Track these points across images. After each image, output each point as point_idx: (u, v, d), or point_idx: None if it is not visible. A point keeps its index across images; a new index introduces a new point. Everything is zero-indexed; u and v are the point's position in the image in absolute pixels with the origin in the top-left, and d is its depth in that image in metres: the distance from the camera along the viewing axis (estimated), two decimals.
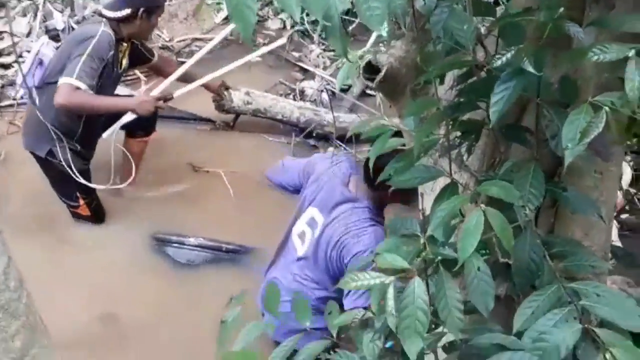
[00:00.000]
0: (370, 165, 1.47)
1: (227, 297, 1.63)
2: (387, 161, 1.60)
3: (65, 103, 3.28)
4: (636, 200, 2.30)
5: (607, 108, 1.09)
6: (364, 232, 2.47)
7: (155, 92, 3.60)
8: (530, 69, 1.10)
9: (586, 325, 1.18)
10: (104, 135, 3.59)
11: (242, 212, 4.12)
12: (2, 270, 1.55)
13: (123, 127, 3.73)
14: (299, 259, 2.75)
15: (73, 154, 3.51)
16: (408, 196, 2.54)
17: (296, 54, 5.43)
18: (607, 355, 1.11)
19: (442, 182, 1.54)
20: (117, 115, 3.56)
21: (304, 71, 5.26)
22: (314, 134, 4.55)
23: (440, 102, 1.35)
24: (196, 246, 3.87)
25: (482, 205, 1.18)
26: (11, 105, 4.90)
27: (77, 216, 3.87)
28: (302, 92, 4.92)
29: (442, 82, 1.50)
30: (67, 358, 1.98)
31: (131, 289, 3.54)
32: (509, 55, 1.17)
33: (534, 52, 1.11)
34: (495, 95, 1.17)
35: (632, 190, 3.31)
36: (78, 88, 3.28)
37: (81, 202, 3.80)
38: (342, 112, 4.61)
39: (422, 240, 1.32)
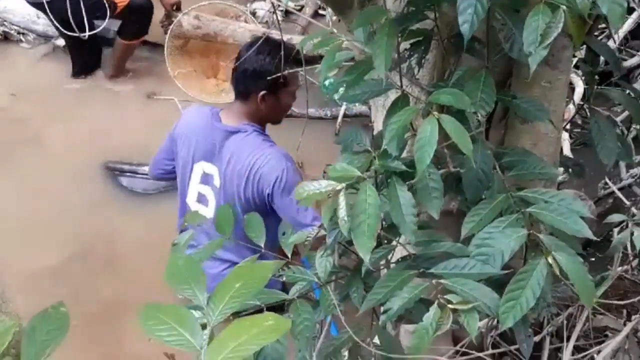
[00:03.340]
0: (322, 79, 1.44)
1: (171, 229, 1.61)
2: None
3: None
4: (587, 112, 2.32)
5: (564, 7, 1.07)
6: (269, 155, 2.32)
7: None
8: None
9: (531, 231, 1.19)
10: None
11: None
12: None
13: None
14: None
15: None
16: (279, 111, 2.48)
17: None
18: (549, 259, 1.13)
19: (393, 97, 1.53)
20: None
21: None
22: None
23: (389, 12, 1.31)
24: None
25: (436, 113, 1.16)
26: None
27: (122, 17, 4.16)
28: (253, 13, 4.80)
29: None
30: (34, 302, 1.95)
31: (80, 222, 3.51)
32: None
33: None
34: (461, 5, 1.13)
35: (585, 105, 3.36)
36: None
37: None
38: (295, 35, 4.52)
39: (372, 155, 1.31)
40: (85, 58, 4.47)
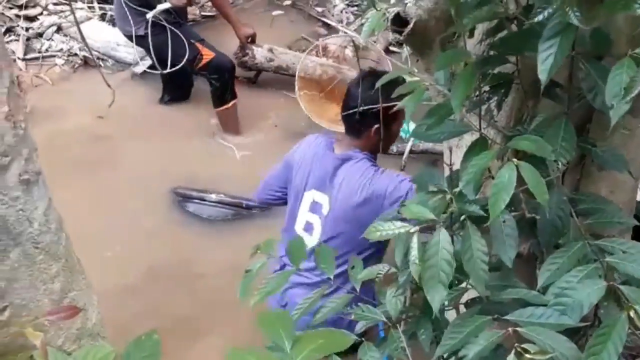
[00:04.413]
0: (407, 118, 1.44)
1: (246, 253, 1.63)
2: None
3: None
4: None
5: None
6: (381, 174, 2.41)
7: None
8: (577, 22, 1.06)
9: (611, 283, 1.17)
10: (147, 15, 3.93)
11: (262, 169, 4.14)
12: (42, 212, 1.54)
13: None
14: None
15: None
16: (389, 141, 2.54)
17: (319, 9, 5.38)
18: (631, 313, 1.10)
19: (468, 137, 1.53)
20: None
21: (327, 26, 5.21)
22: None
23: (470, 55, 1.33)
24: (217, 202, 3.90)
25: (515, 160, 1.16)
26: (37, 58, 4.93)
27: (204, 71, 4.21)
28: (324, 48, 4.87)
29: (471, 35, 1.48)
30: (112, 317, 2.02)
31: (153, 243, 3.59)
32: (550, 9, 1.13)
33: (577, 4, 1.08)
34: (542, 54, 1.13)
35: None
36: None
37: (199, 46, 4.15)
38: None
39: (448, 196, 1.31)
40: (173, 89, 4.61)
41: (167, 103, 4.62)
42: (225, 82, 4.25)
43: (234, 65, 4.31)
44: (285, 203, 2.76)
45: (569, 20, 1.07)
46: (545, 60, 1.15)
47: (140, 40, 4.05)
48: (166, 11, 3.99)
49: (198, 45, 4.15)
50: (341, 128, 2.69)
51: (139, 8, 3.96)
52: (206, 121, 4.45)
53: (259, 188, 2.87)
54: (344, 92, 2.61)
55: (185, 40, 4.02)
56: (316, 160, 2.55)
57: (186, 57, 4.01)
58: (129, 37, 4.14)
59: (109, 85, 1.92)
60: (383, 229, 1.25)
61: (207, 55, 4.17)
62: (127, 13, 3.96)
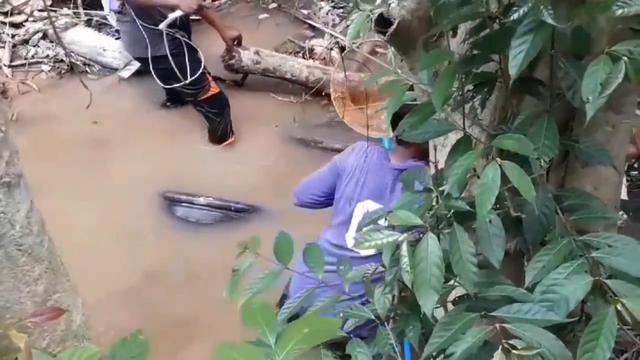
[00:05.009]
0: (388, 119, 1.45)
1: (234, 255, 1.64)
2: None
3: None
4: None
5: (625, 58, 1.07)
6: None
7: None
8: (550, 21, 1.07)
9: (597, 278, 1.18)
10: (160, 26, 3.94)
11: (250, 172, 4.16)
12: (24, 214, 1.54)
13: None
14: (367, 257, 2.51)
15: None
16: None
17: (305, 11, 5.39)
18: (618, 306, 1.11)
19: (453, 136, 1.54)
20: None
21: (313, 29, 5.22)
22: (323, 93, 4.53)
23: (453, 55, 1.33)
24: (205, 205, 3.91)
25: (498, 160, 1.17)
26: (23, 65, 4.92)
27: (206, 104, 4.20)
28: (311, 50, 4.89)
29: (454, 35, 1.49)
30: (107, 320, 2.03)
31: (141, 247, 3.59)
32: (525, 7, 1.14)
33: (552, 3, 1.09)
34: (514, 50, 1.14)
35: None
36: None
37: (208, 77, 4.17)
38: (350, 71, 4.57)
39: (434, 194, 1.32)
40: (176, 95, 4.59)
41: (169, 107, 4.64)
42: (224, 118, 4.26)
43: (229, 107, 4.33)
44: (325, 207, 2.76)
45: (543, 19, 1.08)
46: (517, 56, 1.16)
47: (159, 61, 4.03)
48: (178, 27, 4.02)
49: (207, 76, 4.17)
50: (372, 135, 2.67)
51: (156, 28, 3.94)
52: (198, 124, 4.45)
53: (298, 189, 2.84)
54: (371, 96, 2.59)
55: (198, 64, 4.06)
56: (372, 170, 2.55)
57: (189, 79, 4.04)
58: (143, 60, 4.14)
59: (85, 87, 1.93)
60: (372, 238, 1.25)
61: (214, 88, 4.19)
62: (144, 35, 3.94)
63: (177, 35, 4.00)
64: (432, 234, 1.23)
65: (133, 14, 3.92)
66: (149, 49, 3.96)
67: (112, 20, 4.28)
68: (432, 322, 1.33)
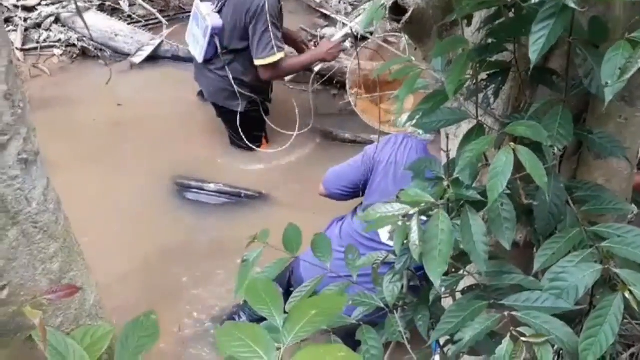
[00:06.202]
0: (399, 110, 1.45)
1: (243, 241, 1.63)
2: None
3: (274, 77, 3.92)
4: None
5: None
6: None
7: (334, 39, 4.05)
8: (572, 4, 1.06)
9: (606, 266, 1.18)
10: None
11: (260, 160, 4.16)
12: (41, 191, 1.54)
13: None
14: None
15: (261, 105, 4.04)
16: None
17: (317, 0, 5.37)
18: (626, 294, 1.11)
19: (465, 126, 1.54)
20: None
21: (326, 17, 5.20)
22: (335, 81, 4.52)
23: (467, 43, 1.33)
24: (215, 192, 3.92)
25: (512, 144, 1.16)
26: (35, 49, 4.93)
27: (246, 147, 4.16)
28: (323, 38, 4.87)
29: (469, 23, 1.48)
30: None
31: (153, 231, 3.61)
32: None
33: None
34: (534, 34, 1.13)
35: None
36: (280, 60, 3.72)
37: (264, 141, 4.21)
38: (363, 60, 4.56)
39: (445, 183, 1.32)
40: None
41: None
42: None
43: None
44: (352, 199, 2.73)
45: (565, 2, 1.07)
46: (537, 41, 1.15)
47: (230, 114, 4.04)
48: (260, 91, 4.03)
49: (264, 139, 4.23)
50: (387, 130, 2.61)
51: (249, 94, 3.95)
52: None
53: (328, 178, 2.81)
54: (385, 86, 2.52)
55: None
56: (409, 163, 2.50)
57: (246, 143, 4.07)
58: (219, 107, 4.12)
59: (106, 64, 1.93)
60: (381, 211, 1.24)
61: (264, 147, 4.21)
62: (237, 93, 3.91)
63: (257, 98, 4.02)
64: (444, 212, 1.22)
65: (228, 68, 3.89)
66: (234, 103, 3.97)
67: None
68: (440, 312, 1.34)
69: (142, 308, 1.29)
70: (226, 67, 3.88)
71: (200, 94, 4.49)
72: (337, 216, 2.84)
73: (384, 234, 2.53)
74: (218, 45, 3.81)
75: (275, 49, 3.68)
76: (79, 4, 5.08)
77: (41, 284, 1.57)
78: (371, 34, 4.74)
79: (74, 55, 4.97)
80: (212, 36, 3.76)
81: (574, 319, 1.28)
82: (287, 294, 2.73)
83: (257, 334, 0.94)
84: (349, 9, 5.21)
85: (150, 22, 5.37)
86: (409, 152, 2.53)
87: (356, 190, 2.68)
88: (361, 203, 2.72)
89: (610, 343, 1.08)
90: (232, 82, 3.86)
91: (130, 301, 3.02)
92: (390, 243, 2.47)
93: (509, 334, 1.09)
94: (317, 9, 5.28)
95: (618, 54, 1.07)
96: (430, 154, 2.47)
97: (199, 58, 3.91)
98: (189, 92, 4.57)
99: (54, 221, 1.60)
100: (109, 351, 0.87)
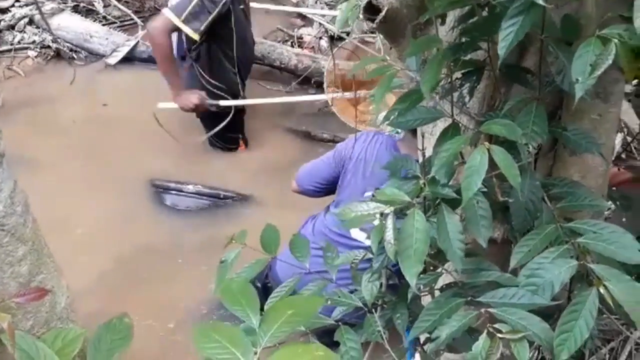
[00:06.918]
0: (376, 109, 1.45)
1: (222, 242, 1.63)
2: None
3: (153, 37, 3.53)
4: (633, 147, 2.29)
5: (615, 40, 1.07)
6: None
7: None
8: (541, 1, 1.07)
9: (582, 262, 1.19)
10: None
11: (239, 161, 4.15)
12: (7, 194, 1.52)
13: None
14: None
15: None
16: None
17: (294, 0, 5.36)
18: (601, 289, 1.12)
19: (441, 124, 1.54)
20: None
21: (303, 17, 5.20)
22: (312, 81, 4.52)
23: (441, 42, 1.33)
24: (194, 193, 3.90)
25: (486, 143, 1.17)
26: (9, 50, 4.88)
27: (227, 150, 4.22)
28: (300, 38, 4.87)
29: (443, 22, 1.49)
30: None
31: (131, 233, 3.58)
32: None
33: None
34: (503, 31, 1.14)
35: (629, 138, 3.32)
36: (174, 30, 3.54)
37: (241, 142, 4.22)
38: (339, 60, 4.56)
39: (421, 181, 1.32)
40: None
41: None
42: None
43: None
44: (325, 195, 2.74)
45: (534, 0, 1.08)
46: (506, 37, 1.15)
47: (204, 114, 4.03)
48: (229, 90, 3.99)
49: (241, 141, 4.24)
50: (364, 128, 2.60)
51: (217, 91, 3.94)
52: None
53: (300, 175, 2.81)
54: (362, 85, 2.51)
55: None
56: (379, 160, 2.49)
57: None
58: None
59: (71, 63, 1.90)
60: (357, 209, 1.24)
61: (242, 149, 4.24)
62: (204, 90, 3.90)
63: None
64: (419, 211, 1.22)
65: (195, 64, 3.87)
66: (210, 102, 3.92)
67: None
68: (419, 310, 1.34)
69: (117, 310, 1.28)
70: (194, 63, 3.86)
71: None
72: (312, 214, 2.84)
73: (354, 230, 2.53)
74: (184, 40, 3.79)
75: (186, 19, 3.46)
76: (53, 5, 5.04)
77: (10, 287, 1.55)
78: (347, 34, 4.75)
79: (49, 57, 4.93)
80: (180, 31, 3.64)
81: (552, 314, 1.28)
82: (264, 288, 2.74)
83: (234, 335, 0.93)
84: (325, 8, 5.21)
85: (126, 23, 5.33)
86: (378, 149, 2.53)
87: (329, 187, 2.69)
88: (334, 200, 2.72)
89: (584, 338, 1.09)
90: (201, 79, 3.85)
91: (104, 303, 2.99)
92: (361, 239, 2.49)
93: (485, 331, 1.09)
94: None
95: (589, 51, 1.08)
96: (399, 151, 2.48)
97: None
98: (166, 93, 4.53)
99: (21, 223, 1.58)
100: (80, 354, 0.86)
